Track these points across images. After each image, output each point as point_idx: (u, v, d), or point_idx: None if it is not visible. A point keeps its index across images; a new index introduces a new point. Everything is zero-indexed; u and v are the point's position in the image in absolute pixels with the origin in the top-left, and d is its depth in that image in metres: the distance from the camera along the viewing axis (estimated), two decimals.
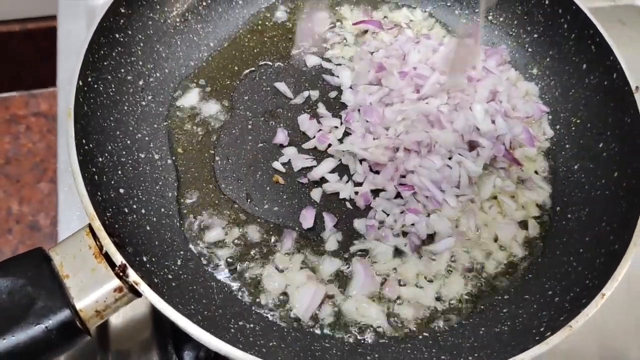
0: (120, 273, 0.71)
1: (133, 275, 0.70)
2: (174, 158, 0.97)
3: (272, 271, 0.88)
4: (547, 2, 1.06)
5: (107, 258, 0.72)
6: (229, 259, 0.89)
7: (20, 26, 1.51)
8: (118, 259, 0.71)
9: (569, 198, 0.97)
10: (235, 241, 0.90)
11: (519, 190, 0.97)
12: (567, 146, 1.02)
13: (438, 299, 0.88)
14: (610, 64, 0.96)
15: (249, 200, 0.94)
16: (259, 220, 0.92)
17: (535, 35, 1.10)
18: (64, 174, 1.03)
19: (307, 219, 0.92)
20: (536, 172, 1.00)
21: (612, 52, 0.96)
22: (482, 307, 0.88)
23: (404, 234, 0.92)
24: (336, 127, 1.01)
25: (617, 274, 0.78)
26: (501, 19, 1.13)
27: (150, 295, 0.70)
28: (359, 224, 0.93)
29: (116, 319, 0.92)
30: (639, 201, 0.84)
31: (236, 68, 1.07)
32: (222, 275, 0.88)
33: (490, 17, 1.13)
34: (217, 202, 0.94)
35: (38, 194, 1.56)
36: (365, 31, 1.13)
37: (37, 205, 1.55)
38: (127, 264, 0.71)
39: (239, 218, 0.92)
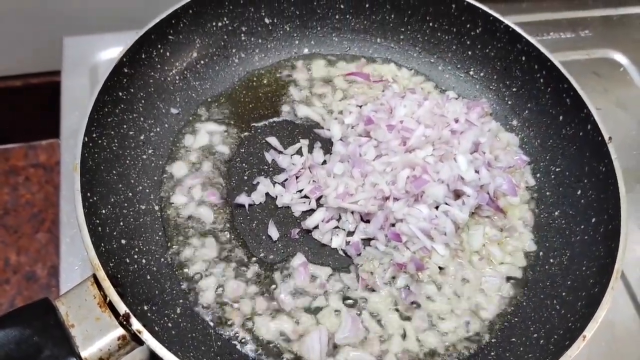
0: (124, 322, 0.74)
1: (136, 324, 0.73)
2: (173, 208, 1.00)
3: (268, 320, 0.91)
4: (523, 58, 1.12)
5: (111, 307, 0.75)
6: (225, 308, 0.91)
7: (22, 81, 1.57)
8: (122, 307, 0.74)
9: (550, 243, 1.01)
10: (231, 290, 0.93)
11: (504, 239, 1.02)
12: (547, 194, 1.07)
13: (429, 350, 0.91)
14: (585, 115, 1.02)
15: (244, 249, 0.97)
16: (254, 268, 0.95)
17: (514, 89, 1.16)
18: (65, 225, 1.07)
19: (302, 273, 0.95)
20: (519, 220, 1.04)
21: (585, 104, 1.02)
22: (471, 351, 0.91)
23: (393, 278, 0.96)
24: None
25: (597, 316, 0.82)
26: (482, 74, 1.20)
27: (152, 343, 0.73)
28: (348, 278, 0.96)
29: None
30: (616, 246, 0.88)
31: (232, 122, 1.12)
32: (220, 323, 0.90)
33: (471, 72, 1.20)
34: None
35: (36, 245, 1.59)
36: (353, 83, 1.19)
37: (34, 256, 1.57)
38: (130, 313, 0.74)
39: (234, 266, 0.95)
